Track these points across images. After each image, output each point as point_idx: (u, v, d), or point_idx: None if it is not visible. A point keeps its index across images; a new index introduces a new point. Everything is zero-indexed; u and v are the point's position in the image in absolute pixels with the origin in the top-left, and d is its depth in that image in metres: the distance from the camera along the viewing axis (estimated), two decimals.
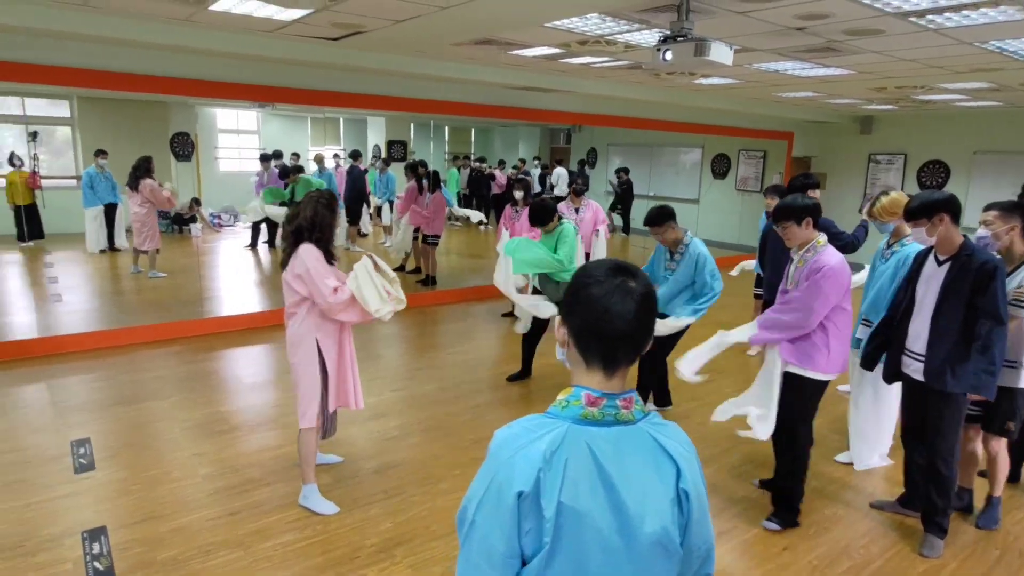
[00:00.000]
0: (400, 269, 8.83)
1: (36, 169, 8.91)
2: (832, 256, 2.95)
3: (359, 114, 14.01)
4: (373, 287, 3.02)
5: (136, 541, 2.89)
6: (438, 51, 5.67)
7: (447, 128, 15.64)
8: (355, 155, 10.65)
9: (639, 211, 12.69)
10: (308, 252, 2.94)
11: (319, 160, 10.42)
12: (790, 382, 3.07)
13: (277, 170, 9.51)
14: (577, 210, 6.64)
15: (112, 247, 8.69)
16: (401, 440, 3.99)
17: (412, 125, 14.00)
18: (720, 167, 12.73)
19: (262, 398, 4.61)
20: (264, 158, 9.74)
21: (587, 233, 6.52)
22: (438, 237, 8.04)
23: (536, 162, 15.18)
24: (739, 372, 5.32)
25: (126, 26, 4.57)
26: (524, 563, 1.06)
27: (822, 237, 3.03)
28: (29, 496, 3.21)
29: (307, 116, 13.94)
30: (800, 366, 3.01)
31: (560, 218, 4.60)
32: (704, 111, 9.45)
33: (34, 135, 10.02)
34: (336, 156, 11.85)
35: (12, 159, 8.55)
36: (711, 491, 3.53)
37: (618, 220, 12.41)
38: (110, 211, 8.56)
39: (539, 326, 4.96)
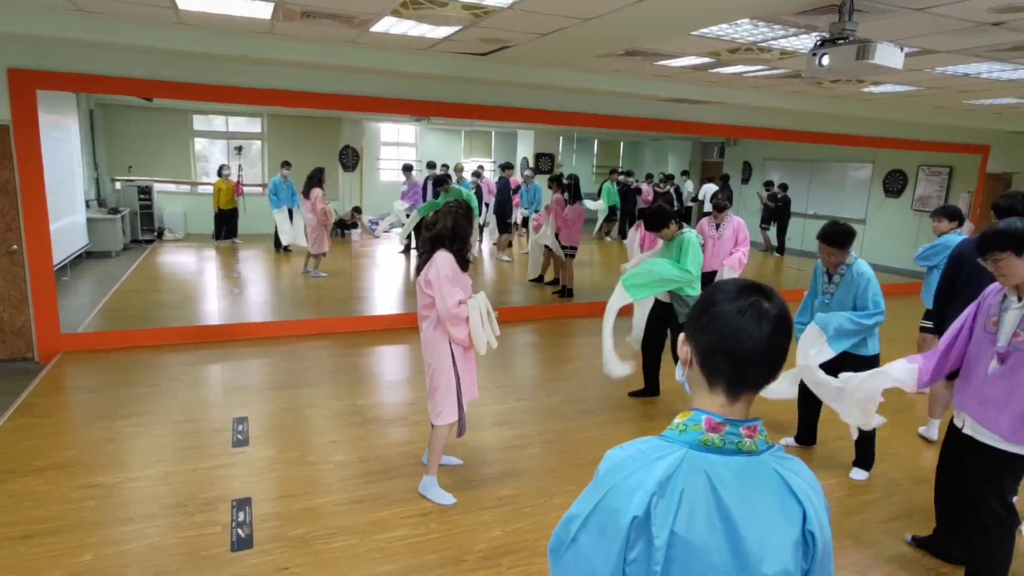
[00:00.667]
0: (538, 280, 8.95)
1: (240, 179, 10.24)
2: None
3: (509, 127, 14.45)
4: (480, 324, 3.19)
5: (274, 515, 3.17)
6: (584, 63, 5.68)
7: (596, 141, 15.66)
8: (506, 167, 10.95)
9: (794, 231, 11.78)
10: (444, 260, 3.09)
11: (459, 170, 10.85)
12: (1009, 462, 2.57)
13: (417, 179, 10.14)
14: (718, 226, 6.31)
15: (286, 248, 9.70)
16: (521, 450, 4.01)
17: (561, 138, 14.19)
18: (894, 184, 11.45)
19: (397, 395, 4.87)
20: (406, 168, 10.35)
21: (725, 252, 6.19)
22: (575, 248, 8.05)
23: (684, 177, 14.67)
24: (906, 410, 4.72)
25: (304, 49, 5.10)
26: None
27: None
28: (196, 463, 3.65)
29: (461, 130, 14.65)
30: None
31: (681, 226, 4.42)
32: (876, 123, 8.57)
33: (239, 149, 11.56)
34: (479, 168, 12.26)
35: (221, 170, 9.88)
36: (854, 542, 3.15)
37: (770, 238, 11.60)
38: (288, 215, 9.59)
39: (656, 340, 4.81)
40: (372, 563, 2.85)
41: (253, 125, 12.33)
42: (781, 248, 11.82)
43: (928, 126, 8.82)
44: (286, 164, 9.60)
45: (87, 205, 9.46)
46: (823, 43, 3.32)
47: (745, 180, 13.82)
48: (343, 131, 12.39)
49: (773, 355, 1.04)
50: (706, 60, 5.22)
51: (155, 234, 10.81)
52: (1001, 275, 2.48)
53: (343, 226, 12.23)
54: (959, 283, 3.81)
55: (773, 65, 5.26)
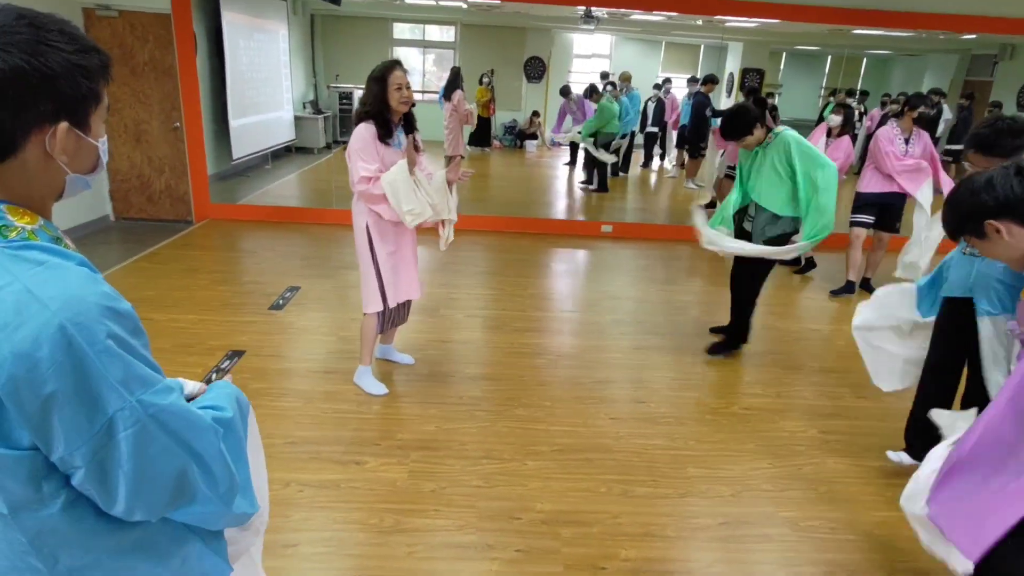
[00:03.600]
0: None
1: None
2: None
3: (718, 40, 12.89)
4: (399, 198, 2.84)
5: (253, 369, 3.37)
6: None
7: (829, 57, 13.23)
8: (708, 80, 9.72)
9: None
10: (357, 132, 2.83)
11: (625, 79, 9.98)
12: None
13: (581, 100, 9.60)
14: (907, 140, 4.88)
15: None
16: (523, 358, 3.69)
17: (776, 52, 12.32)
18: None
19: (445, 288, 4.78)
20: (564, 91, 9.80)
21: (910, 171, 4.80)
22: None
23: (939, 99, 11.71)
24: None
25: None
26: None
27: None
28: (230, 316, 4.02)
29: (661, 40, 13.43)
30: None
31: (770, 130, 3.43)
32: None
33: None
34: (667, 81, 11.16)
35: (482, 79, 10.68)
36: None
37: None
38: None
39: (745, 273, 3.72)
40: (295, 425, 2.88)
41: (447, 34, 12.72)
42: None
43: None
44: (459, 70, 9.77)
45: (304, 107, 10.70)
46: None
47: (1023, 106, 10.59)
48: (528, 41, 12.17)
49: None
50: None
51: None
52: None
53: (523, 136, 12.27)
54: None
55: None
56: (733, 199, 3.67)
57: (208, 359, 3.43)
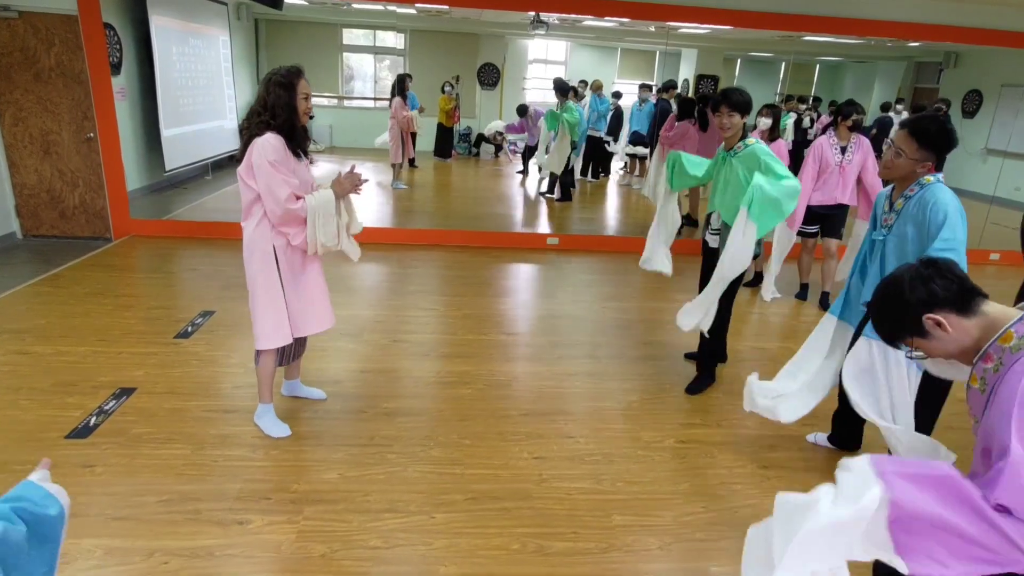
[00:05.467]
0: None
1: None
2: None
3: (674, 46, 12.86)
4: (316, 227, 2.59)
5: (141, 410, 3.01)
6: None
7: (783, 64, 13.31)
8: (668, 87, 9.58)
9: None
10: (266, 142, 2.48)
11: (596, 88, 9.81)
12: None
13: (537, 117, 9.41)
14: (844, 148, 4.77)
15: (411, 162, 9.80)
16: (448, 388, 3.41)
17: (731, 59, 12.33)
18: None
19: (377, 310, 4.47)
20: (521, 111, 9.57)
21: (852, 179, 4.72)
22: None
23: (899, 106, 11.74)
24: None
25: None
26: None
27: None
28: (128, 347, 3.64)
29: (617, 47, 13.35)
30: None
31: (745, 135, 3.24)
32: None
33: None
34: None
35: (444, 87, 10.43)
36: None
37: None
38: None
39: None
40: (176, 478, 2.55)
41: (398, 40, 12.41)
42: None
43: None
44: (408, 77, 9.50)
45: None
46: None
47: (970, 113, 10.74)
48: (482, 47, 11.95)
49: None
50: None
51: None
52: None
53: (480, 143, 12.02)
54: None
55: None
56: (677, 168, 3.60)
57: (90, 400, 3.07)
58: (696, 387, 3.53)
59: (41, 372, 3.29)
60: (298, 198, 2.55)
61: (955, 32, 6.47)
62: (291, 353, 2.91)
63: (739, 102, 3.17)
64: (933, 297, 1.35)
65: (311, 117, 2.68)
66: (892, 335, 1.45)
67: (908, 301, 1.37)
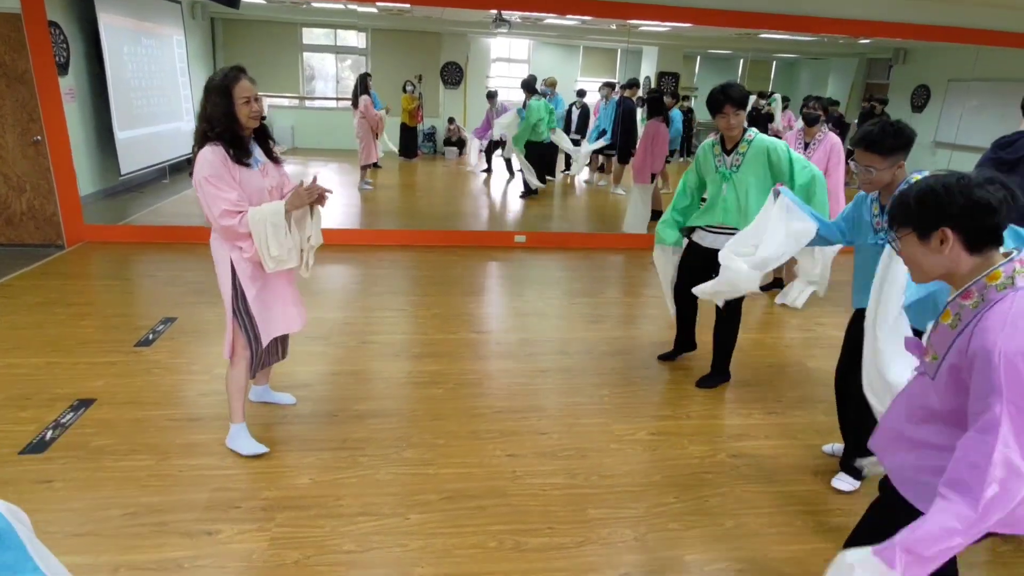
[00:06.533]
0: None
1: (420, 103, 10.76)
2: None
3: (635, 44, 13.00)
4: (266, 239, 2.44)
5: (99, 422, 2.91)
6: None
7: (741, 61, 13.58)
8: (631, 84, 9.63)
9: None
10: (203, 157, 2.36)
11: (550, 85, 9.84)
12: None
13: (503, 107, 9.38)
14: (807, 145, 4.90)
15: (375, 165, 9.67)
16: (419, 388, 3.38)
17: (691, 56, 12.52)
18: None
19: (344, 312, 4.42)
20: (490, 96, 9.57)
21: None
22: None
23: (833, 107, 12.06)
24: None
25: None
26: None
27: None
28: (84, 356, 3.52)
29: (579, 45, 13.42)
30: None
31: (745, 129, 3.17)
32: None
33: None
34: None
35: (405, 87, 10.36)
36: None
37: None
38: None
39: (692, 287, 3.33)
40: (140, 490, 2.47)
41: (359, 40, 12.26)
42: None
43: None
44: (367, 76, 9.41)
45: None
46: None
47: (919, 108, 11.11)
48: (444, 46, 11.89)
49: None
50: None
51: None
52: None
53: (448, 143, 11.95)
54: None
55: None
56: (680, 210, 3.48)
57: (47, 412, 2.95)
58: (709, 382, 3.54)
59: None
60: (238, 212, 2.41)
61: (903, 29, 6.69)
62: (262, 359, 2.80)
63: (741, 97, 3.09)
64: (963, 211, 1.30)
65: (262, 119, 2.53)
66: (904, 219, 1.40)
67: (946, 201, 1.32)
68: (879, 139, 2.24)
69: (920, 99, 11.18)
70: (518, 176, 8.91)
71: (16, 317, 3.98)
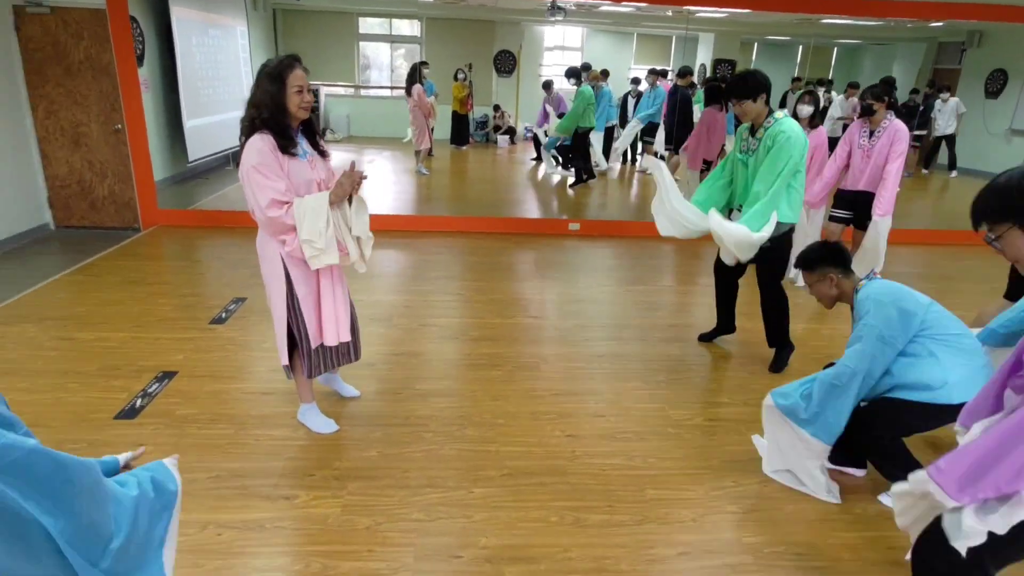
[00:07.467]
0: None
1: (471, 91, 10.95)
2: None
3: (692, 31, 12.76)
4: (317, 232, 2.39)
5: (183, 392, 3.11)
6: None
7: (801, 47, 13.16)
8: (685, 72, 9.50)
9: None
10: (252, 145, 2.33)
11: (595, 78, 9.77)
12: None
13: (559, 97, 9.38)
14: (871, 133, 4.75)
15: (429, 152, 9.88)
16: (478, 370, 3.48)
17: (748, 43, 12.22)
18: None
19: (403, 296, 4.55)
20: (546, 86, 9.55)
21: (878, 165, 4.67)
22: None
23: (945, 94, 11.39)
24: None
25: None
26: None
27: None
28: (165, 332, 3.75)
29: (633, 32, 13.26)
30: None
31: (771, 112, 3.26)
32: None
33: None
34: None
35: (457, 75, 10.50)
36: None
37: None
38: None
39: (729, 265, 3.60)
40: (223, 456, 2.64)
41: (413, 28, 12.42)
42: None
43: None
44: (424, 64, 9.53)
45: None
46: None
47: (994, 94, 10.57)
48: (498, 34, 11.92)
49: None
50: None
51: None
52: None
53: (497, 130, 12.04)
54: None
55: None
56: (708, 194, 3.53)
57: (135, 382, 3.17)
58: (778, 363, 3.64)
59: (85, 357, 3.40)
60: (285, 203, 2.38)
61: (981, 10, 6.38)
62: (324, 361, 2.73)
63: (741, 89, 3.22)
64: None
65: (314, 110, 2.51)
66: (994, 213, 1.36)
67: None
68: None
69: (996, 84, 10.63)
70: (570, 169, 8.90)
71: (102, 294, 4.26)
